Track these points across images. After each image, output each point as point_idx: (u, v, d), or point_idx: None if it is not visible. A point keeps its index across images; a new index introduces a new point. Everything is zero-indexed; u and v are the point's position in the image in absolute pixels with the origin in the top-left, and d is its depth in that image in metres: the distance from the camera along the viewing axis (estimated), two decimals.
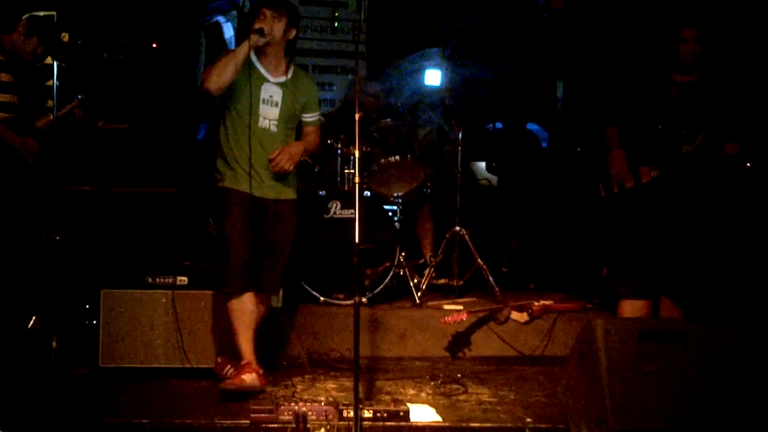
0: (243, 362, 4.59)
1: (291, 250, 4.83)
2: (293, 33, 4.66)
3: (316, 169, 6.25)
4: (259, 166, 4.64)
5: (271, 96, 4.65)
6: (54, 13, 5.11)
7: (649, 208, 4.75)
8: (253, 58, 4.64)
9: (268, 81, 4.66)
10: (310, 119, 4.86)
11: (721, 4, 6.32)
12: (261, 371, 4.63)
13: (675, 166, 4.67)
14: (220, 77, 4.48)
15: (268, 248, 4.73)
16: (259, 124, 4.64)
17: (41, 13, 5.10)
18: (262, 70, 4.67)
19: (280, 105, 4.67)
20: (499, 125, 9.11)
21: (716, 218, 4.74)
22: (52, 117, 5.01)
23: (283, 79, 4.69)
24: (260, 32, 4.47)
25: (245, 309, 4.63)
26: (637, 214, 4.78)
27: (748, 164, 4.63)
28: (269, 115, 4.66)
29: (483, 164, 8.40)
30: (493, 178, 8.25)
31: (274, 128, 4.68)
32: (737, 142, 4.56)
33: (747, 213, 5.63)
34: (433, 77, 7.70)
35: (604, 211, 4.94)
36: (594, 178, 5.00)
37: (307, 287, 5.80)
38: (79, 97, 5.38)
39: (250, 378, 4.50)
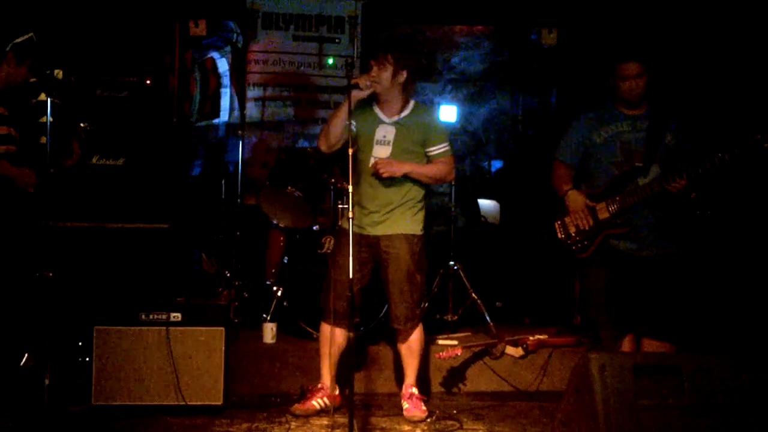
0: (317, 386, 5.02)
1: (417, 284, 4.93)
2: (404, 76, 4.85)
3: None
4: (370, 205, 4.89)
5: (384, 136, 4.89)
6: (32, 34, 5.09)
7: (611, 245, 4.68)
8: (373, 103, 4.93)
9: (383, 122, 4.90)
10: (433, 152, 4.95)
11: (668, 35, 6.38)
12: (336, 393, 5.04)
13: (632, 200, 4.58)
14: (327, 136, 4.89)
15: (385, 283, 4.94)
16: (371, 165, 4.86)
17: (21, 39, 5.08)
18: (379, 113, 4.93)
19: (392, 143, 4.86)
20: (498, 164, 9.12)
21: (680, 245, 4.69)
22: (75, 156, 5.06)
23: (397, 117, 4.88)
24: (355, 87, 4.71)
25: (331, 340, 4.94)
26: (600, 253, 4.73)
27: (693, 194, 4.57)
28: (380, 154, 4.87)
29: (485, 201, 8.38)
30: (489, 215, 8.23)
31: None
32: (682, 178, 4.44)
33: (711, 241, 5.64)
34: (448, 114, 7.66)
35: (564, 253, 4.85)
36: (550, 218, 4.92)
37: (301, 323, 5.77)
38: (82, 125, 5.34)
39: (318, 403, 4.96)
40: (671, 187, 4.46)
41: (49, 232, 4.71)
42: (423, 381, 5.58)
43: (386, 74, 4.78)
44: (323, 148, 4.96)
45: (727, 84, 6.36)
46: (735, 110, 6.12)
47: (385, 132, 4.89)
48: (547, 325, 6.40)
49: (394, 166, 4.79)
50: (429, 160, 4.97)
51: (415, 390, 5.01)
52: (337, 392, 5.07)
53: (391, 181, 4.84)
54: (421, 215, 5.01)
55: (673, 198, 4.52)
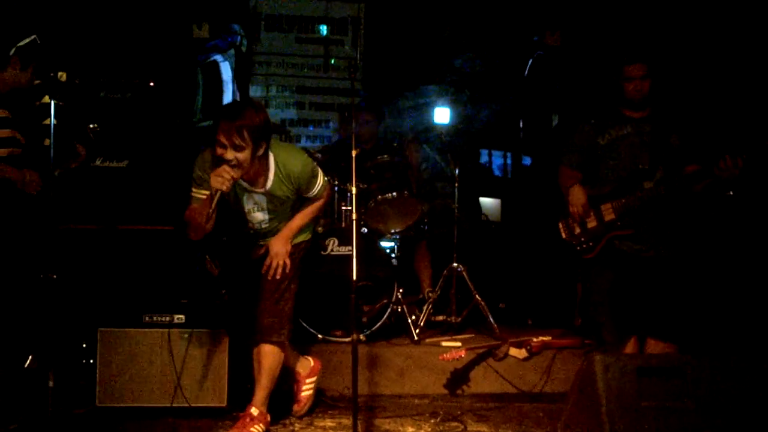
0: (296, 380, 5.08)
1: (282, 294, 4.70)
2: (263, 147, 4.36)
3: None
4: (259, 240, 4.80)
5: (255, 204, 4.64)
6: (35, 36, 5.10)
7: (616, 247, 4.68)
8: None
9: (248, 191, 4.58)
10: (311, 195, 4.74)
11: (671, 38, 6.37)
12: (311, 363, 5.11)
13: (637, 201, 4.61)
14: (195, 231, 4.47)
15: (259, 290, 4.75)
16: (249, 227, 4.73)
17: (25, 41, 5.09)
18: (244, 183, 4.53)
19: (266, 208, 4.65)
20: (499, 161, 9.13)
21: (686, 247, 4.69)
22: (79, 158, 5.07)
23: (264, 189, 4.55)
24: (218, 192, 4.24)
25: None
26: (604, 254, 4.71)
27: (731, 192, 4.58)
28: (257, 219, 4.69)
29: (486, 199, 8.40)
30: (491, 214, 8.24)
31: (265, 225, 4.72)
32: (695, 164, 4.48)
33: (715, 239, 5.64)
34: (442, 115, 7.69)
35: (568, 253, 4.85)
36: (553, 217, 4.91)
37: (305, 324, 5.78)
38: (91, 126, 5.35)
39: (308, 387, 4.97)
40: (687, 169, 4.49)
41: (54, 234, 4.72)
42: (426, 382, 5.58)
43: (244, 155, 4.26)
44: (193, 237, 4.51)
45: (733, 86, 6.35)
46: (740, 112, 6.12)
47: (255, 200, 4.62)
48: (551, 326, 6.40)
49: (282, 257, 4.62)
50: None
51: (254, 410, 4.63)
52: (311, 363, 5.13)
53: (274, 228, 4.72)
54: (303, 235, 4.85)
55: (687, 190, 4.53)
